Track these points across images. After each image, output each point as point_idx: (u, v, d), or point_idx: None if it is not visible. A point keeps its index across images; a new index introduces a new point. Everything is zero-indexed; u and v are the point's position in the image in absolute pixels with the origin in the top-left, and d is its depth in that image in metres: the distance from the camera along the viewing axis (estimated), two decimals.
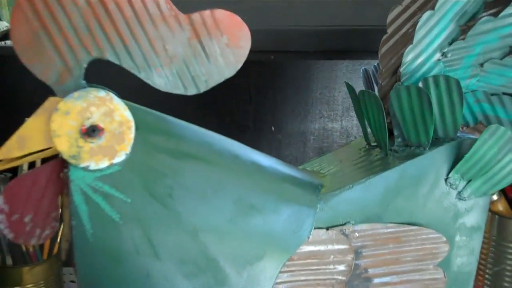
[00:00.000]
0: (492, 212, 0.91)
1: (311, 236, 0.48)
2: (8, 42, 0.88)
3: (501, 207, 0.91)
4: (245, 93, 0.97)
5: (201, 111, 0.90)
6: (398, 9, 0.53)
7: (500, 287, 0.90)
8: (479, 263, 0.92)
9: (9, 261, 0.88)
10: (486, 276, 0.92)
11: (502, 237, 0.89)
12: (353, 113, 0.95)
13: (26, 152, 0.42)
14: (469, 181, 0.52)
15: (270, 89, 0.97)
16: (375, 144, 0.55)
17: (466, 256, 0.54)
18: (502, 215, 0.90)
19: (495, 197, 0.90)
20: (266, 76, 0.96)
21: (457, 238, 0.53)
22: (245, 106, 0.97)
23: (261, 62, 0.91)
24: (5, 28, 0.91)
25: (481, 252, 0.92)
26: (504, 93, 0.52)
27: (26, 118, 0.44)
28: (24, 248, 0.88)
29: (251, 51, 0.46)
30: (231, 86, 0.97)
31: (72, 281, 1.03)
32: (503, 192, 0.92)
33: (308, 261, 0.49)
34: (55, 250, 0.91)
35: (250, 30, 0.45)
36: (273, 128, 0.96)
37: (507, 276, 0.89)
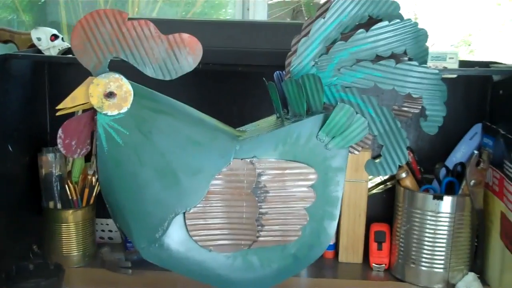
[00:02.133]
0: (402, 187, 1.25)
1: (231, 163, 0.85)
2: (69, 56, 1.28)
3: (408, 183, 1.25)
4: (231, 97, 1.34)
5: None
6: (298, 36, 0.89)
7: (410, 240, 1.24)
8: (396, 224, 1.26)
9: (59, 205, 1.26)
10: (401, 235, 1.26)
11: (409, 204, 1.24)
12: None
13: (75, 104, 0.80)
14: (333, 138, 0.87)
15: (249, 94, 1.34)
16: (279, 116, 0.92)
17: (333, 185, 0.89)
18: (409, 189, 1.24)
19: (404, 175, 1.25)
20: (248, 84, 1.34)
21: (327, 173, 0.88)
22: (231, 107, 1.34)
23: (243, 74, 1.28)
24: (66, 47, 1.31)
25: (396, 218, 1.27)
26: (354, 86, 0.88)
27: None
28: (70, 197, 1.26)
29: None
30: (221, 91, 1.35)
31: (102, 230, 1.41)
32: (412, 172, 1.27)
33: (228, 177, 0.85)
34: (91, 201, 1.29)
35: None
36: None
37: (414, 231, 1.23)
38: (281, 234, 0.88)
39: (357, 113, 0.86)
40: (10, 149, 1.18)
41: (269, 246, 0.88)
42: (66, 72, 1.36)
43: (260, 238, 0.87)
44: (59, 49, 1.30)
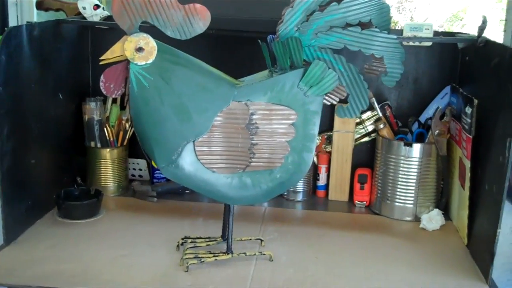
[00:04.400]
0: (380, 136, 1.50)
1: (230, 104, 1.11)
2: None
3: (386, 133, 1.50)
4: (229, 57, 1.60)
5: None
6: (286, 8, 1.14)
7: (386, 181, 1.48)
8: (375, 168, 1.50)
9: (99, 145, 1.55)
10: (379, 176, 1.51)
11: (386, 151, 1.48)
12: None
13: (113, 56, 1.07)
14: (310, 87, 1.13)
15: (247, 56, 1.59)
16: (270, 70, 1.17)
17: (311, 125, 1.15)
18: (386, 138, 1.49)
19: (381, 126, 1.49)
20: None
21: (306, 115, 1.14)
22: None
23: (241, 38, 1.53)
24: (105, 15, 1.58)
25: (375, 163, 1.52)
26: (327, 47, 1.13)
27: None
28: (107, 138, 1.54)
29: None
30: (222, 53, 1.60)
31: (134, 169, 1.69)
32: (390, 124, 1.51)
33: (228, 115, 1.11)
34: (125, 142, 1.57)
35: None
36: None
37: (390, 174, 1.48)
38: (268, 161, 1.14)
39: (329, 68, 1.11)
40: (61, 97, 1.47)
41: (259, 171, 1.15)
42: (105, 36, 1.63)
43: (252, 164, 1.14)
44: (100, 17, 1.57)
